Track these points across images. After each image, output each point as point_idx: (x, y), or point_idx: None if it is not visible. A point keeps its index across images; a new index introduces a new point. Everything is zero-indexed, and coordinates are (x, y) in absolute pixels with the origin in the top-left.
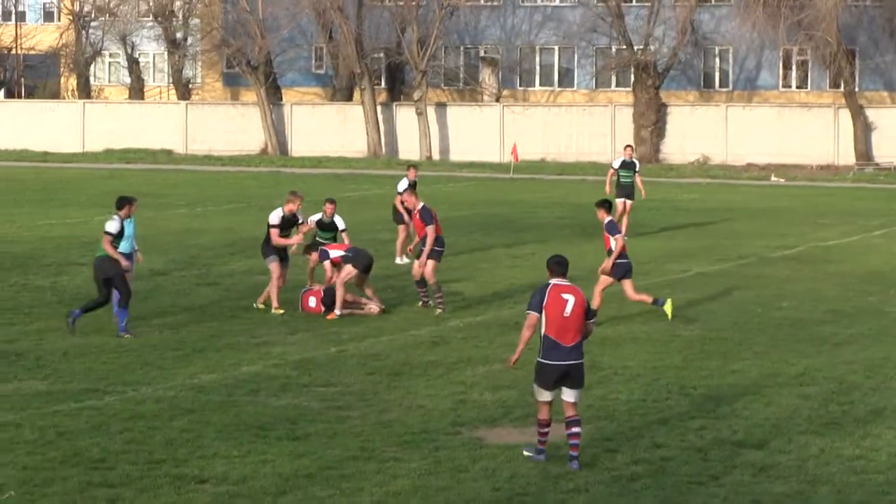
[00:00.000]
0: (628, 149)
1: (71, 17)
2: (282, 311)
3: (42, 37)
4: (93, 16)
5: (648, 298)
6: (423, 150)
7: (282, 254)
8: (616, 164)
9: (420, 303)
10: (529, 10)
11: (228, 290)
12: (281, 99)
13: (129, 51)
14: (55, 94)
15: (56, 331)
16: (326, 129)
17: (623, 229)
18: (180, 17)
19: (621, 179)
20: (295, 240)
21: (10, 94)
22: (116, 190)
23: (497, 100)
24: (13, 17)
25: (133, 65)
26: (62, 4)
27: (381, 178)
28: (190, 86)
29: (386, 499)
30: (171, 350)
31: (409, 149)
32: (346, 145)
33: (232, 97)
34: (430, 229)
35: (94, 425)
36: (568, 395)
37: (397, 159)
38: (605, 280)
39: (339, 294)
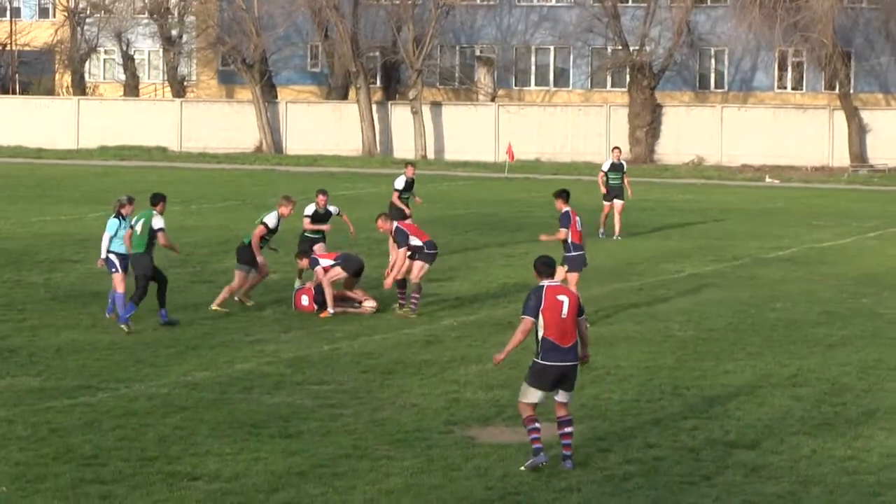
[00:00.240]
0: (616, 150)
1: (66, 14)
2: (224, 311)
3: (37, 33)
4: (88, 12)
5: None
6: (418, 149)
7: (254, 264)
8: (605, 167)
9: (397, 304)
10: (525, 9)
11: (222, 287)
12: (276, 97)
13: (125, 48)
14: (50, 91)
15: (49, 327)
16: (321, 127)
17: (617, 230)
18: (176, 14)
19: (610, 181)
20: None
21: (4, 91)
22: (111, 187)
23: (492, 99)
24: (8, 13)
25: (128, 62)
26: (57, 1)
27: (376, 177)
28: (185, 83)
29: (378, 497)
30: (165, 347)
31: (404, 148)
32: (341, 144)
33: (227, 95)
34: (401, 252)
35: (87, 422)
36: (561, 396)
37: (392, 158)
38: (572, 277)
39: (328, 292)
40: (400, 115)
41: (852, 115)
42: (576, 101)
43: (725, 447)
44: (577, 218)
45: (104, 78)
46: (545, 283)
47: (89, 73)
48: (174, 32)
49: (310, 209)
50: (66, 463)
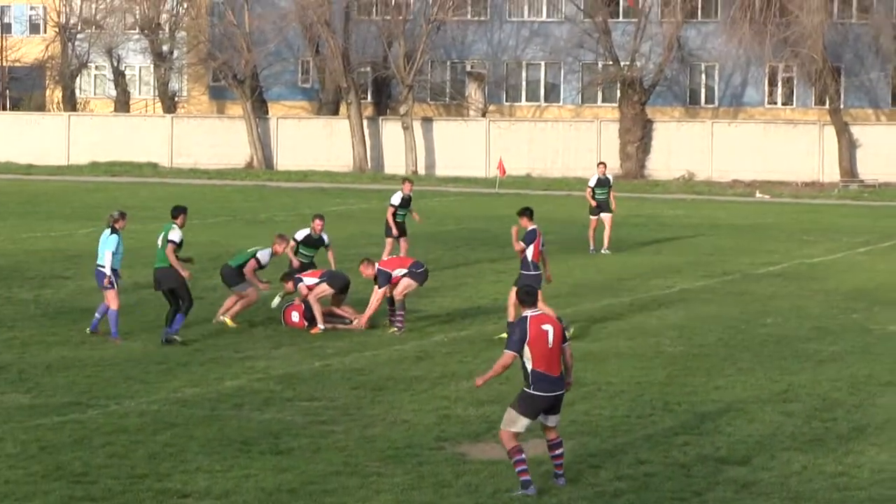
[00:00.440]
0: (602, 166)
1: (57, 30)
2: (235, 325)
3: (28, 49)
4: (79, 28)
5: (512, 317)
6: (408, 164)
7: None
8: (592, 183)
9: (387, 321)
10: (516, 25)
11: (213, 304)
12: (267, 112)
13: (115, 63)
14: (41, 107)
15: (39, 344)
16: (312, 143)
17: (605, 244)
18: (167, 30)
19: (597, 196)
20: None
21: None
22: (101, 203)
23: (483, 115)
24: None
25: (119, 77)
26: (48, 17)
27: (367, 193)
28: (176, 99)
29: None
30: (155, 364)
31: (395, 163)
32: (331, 159)
33: (218, 110)
34: (379, 293)
35: (77, 439)
36: (550, 420)
37: (383, 174)
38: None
39: (316, 309)
40: (391, 130)
41: (842, 131)
42: (566, 116)
43: (716, 463)
44: (541, 238)
45: (95, 94)
46: (528, 313)
47: (80, 88)
48: (165, 48)
49: (302, 234)
50: (55, 480)
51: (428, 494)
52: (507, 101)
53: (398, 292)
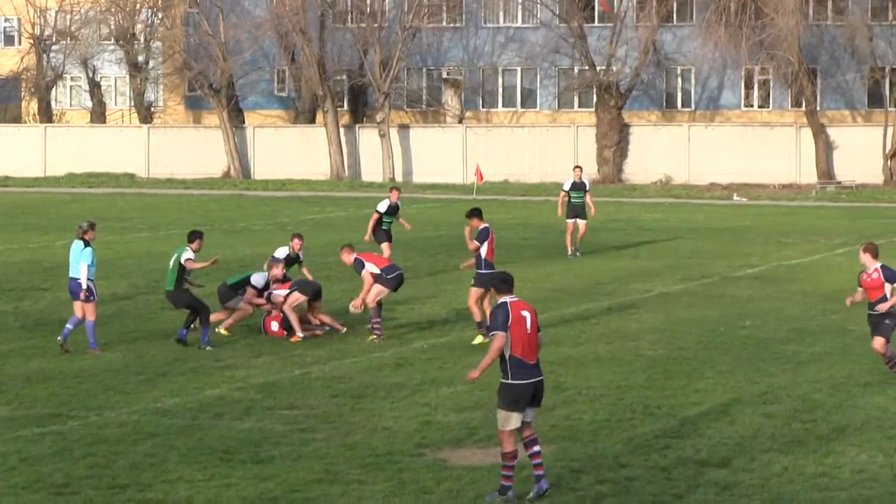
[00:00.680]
0: (577, 170)
1: (32, 41)
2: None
3: (2, 60)
4: (54, 39)
5: (478, 317)
6: (386, 171)
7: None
8: (566, 186)
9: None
10: (492, 31)
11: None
12: (243, 122)
13: (91, 74)
14: (16, 118)
15: (19, 355)
16: (289, 151)
17: (573, 247)
18: (142, 40)
19: (572, 200)
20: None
21: None
22: (78, 214)
23: (460, 121)
24: None
25: (94, 88)
26: (23, 28)
27: (345, 201)
28: (152, 109)
29: None
30: (135, 374)
31: (372, 171)
32: (309, 168)
33: (194, 120)
34: (366, 275)
35: (58, 450)
36: (528, 414)
37: (360, 181)
38: (475, 292)
39: (292, 318)
40: (368, 138)
41: (819, 132)
42: (543, 121)
43: (697, 466)
44: (494, 236)
45: (71, 105)
46: (506, 299)
47: (56, 100)
48: (140, 58)
49: (282, 252)
50: (36, 492)
51: (409, 501)
52: (483, 107)
53: (370, 299)
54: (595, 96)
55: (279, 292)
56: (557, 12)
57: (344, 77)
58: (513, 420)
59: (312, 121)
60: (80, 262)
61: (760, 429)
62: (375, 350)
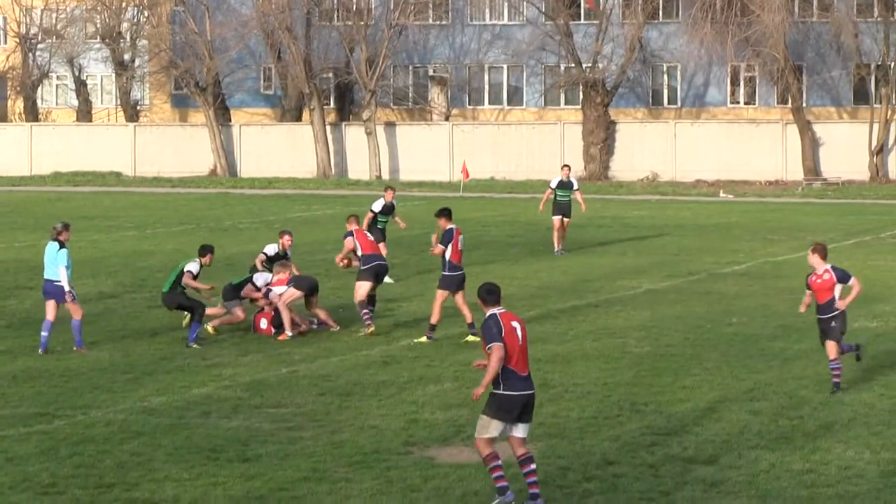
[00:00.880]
0: (566, 168)
1: (17, 40)
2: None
3: None
4: (40, 38)
5: (469, 317)
6: (372, 169)
7: (238, 296)
8: (553, 184)
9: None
10: (478, 28)
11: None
12: (230, 120)
13: (77, 73)
14: (2, 117)
15: (4, 354)
16: (276, 149)
17: (560, 245)
18: (128, 38)
19: (558, 198)
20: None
21: None
22: (64, 213)
23: (446, 118)
24: None
25: (80, 87)
26: (8, 27)
27: (331, 199)
28: (138, 107)
29: None
30: (121, 373)
31: (358, 168)
32: (295, 166)
33: (180, 119)
34: (348, 241)
35: (44, 450)
36: (520, 430)
37: (347, 179)
38: (441, 294)
39: (285, 315)
40: (354, 135)
41: (805, 129)
42: (530, 119)
43: (684, 463)
44: (461, 237)
45: (57, 104)
46: (495, 310)
47: (42, 98)
48: (126, 57)
49: (272, 249)
50: (22, 492)
51: (397, 499)
52: (469, 104)
53: (356, 298)
54: (581, 93)
55: (277, 289)
56: (543, 10)
57: (330, 75)
58: (492, 428)
59: (299, 119)
60: (56, 265)
61: (747, 425)
62: (362, 348)
